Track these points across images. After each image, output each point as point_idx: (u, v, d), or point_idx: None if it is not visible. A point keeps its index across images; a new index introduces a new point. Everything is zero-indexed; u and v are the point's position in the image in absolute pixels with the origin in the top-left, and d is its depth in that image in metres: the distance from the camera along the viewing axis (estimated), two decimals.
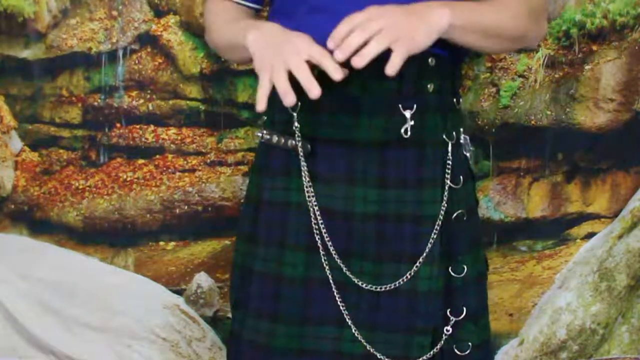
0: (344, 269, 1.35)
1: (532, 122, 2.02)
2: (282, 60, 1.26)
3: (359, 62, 1.22)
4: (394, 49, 1.22)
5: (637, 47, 1.99)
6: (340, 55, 1.22)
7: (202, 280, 2.11)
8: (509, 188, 2.06)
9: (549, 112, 2.02)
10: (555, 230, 2.08)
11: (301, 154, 1.36)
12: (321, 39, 1.31)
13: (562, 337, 2.08)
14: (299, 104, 1.33)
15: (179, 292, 2.11)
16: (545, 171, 2.05)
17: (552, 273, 2.09)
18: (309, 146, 1.36)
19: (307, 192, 1.36)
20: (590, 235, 2.08)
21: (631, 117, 2.02)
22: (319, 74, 1.30)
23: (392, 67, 1.22)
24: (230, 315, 2.08)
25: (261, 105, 1.26)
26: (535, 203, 2.07)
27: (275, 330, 1.38)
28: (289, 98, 1.25)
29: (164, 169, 2.08)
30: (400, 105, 1.32)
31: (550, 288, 2.10)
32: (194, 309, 2.11)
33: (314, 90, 1.24)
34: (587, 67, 2.00)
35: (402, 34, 1.23)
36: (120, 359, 2.09)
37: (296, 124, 1.35)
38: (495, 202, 2.07)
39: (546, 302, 2.09)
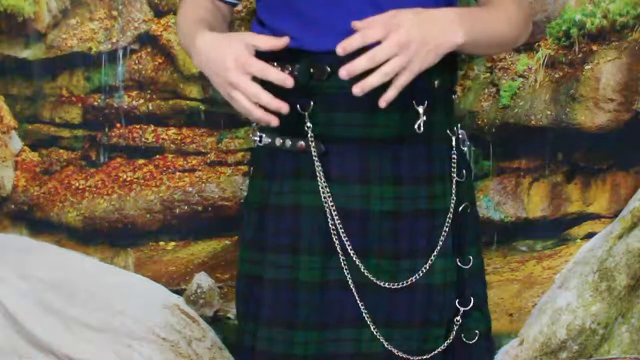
0: (362, 268, 1.35)
1: (532, 122, 2.02)
2: (237, 92, 1.28)
3: (358, 92, 1.23)
4: (396, 78, 1.23)
5: (637, 47, 1.99)
6: (345, 75, 1.22)
7: (202, 280, 2.11)
8: (509, 188, 2.06)
9: (549, 112, 2.02)
10: (555, 230, 2.08)
11: (315, 154, 1.35)
12: (322, 27, 1.31)
13: (562, 337, 2.08)
14: (311, 103, 1.33)
15: (179, 292, 2.11)
16: (545, 171, 2.06)
17: (552, 273, 2.09)
18: (323, 147, 1.35)
19: (323, 193, 1.35)
20: (590, 235, 2.08)
21: (631, 117, 2.02)
22: (331, 70, 1.30)
23: (384, 101, 1.25)
24: (230, 315, 2.09)
25: (274, 121, 1.29)
26: (535, 203, 2.07)
27: (293, 338, 1.36)
28: (273, 123, 1.29)
29: (164, 169, 2.08)
30: (413, 101, 1.32)
31: (550, 288, 2.10)
32: (194, 309, 2.11)
33: (282, 107, 1.27)
34: (587, 67, 2.00)
35: (414, 58, 1.22)
36: (120, 359, 2.09)
37: (308, 123, 1.34)
38: (495, 202, 2.07)
39: (546, 302, 2.09)
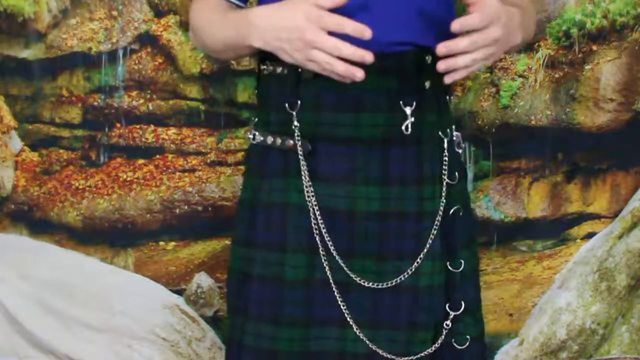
0: (345, 268, 1.35)
1: (532, 122, 2.02)
2: (316, 50, 1.24)
3: (443, 68, 1.24)
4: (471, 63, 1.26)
5: (637, 47, 1.99)
6: (442, 67, 1.24)
7: (202, 280, 2.11)
8: (509, 188, 2.06)
9: (549, 112, 2.02)
10: (555, 230, 2.08)
11: (301, 153, 1.36)
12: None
13: (562, 337, 2.08)
14: (298, 102, 1.33)
15: (179, 292, 2.11)
16: (545, 171, 2.05)
17: (552, 273, 2.09)
18: (309, 146, 1.36)
19: (307, 192, 1.36)
20: (590, 235, 2.08)
21: (631, 117, 2.02)
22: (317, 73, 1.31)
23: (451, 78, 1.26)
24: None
25: (359, 73, 1.24)
26: (535, 203, 2.06)
27: (278, 334, 1.37)
28: (358, 75, 1.24)
29: (164, 169, 2.08)
30: (401, 102, 1.32)
31: (550, 288, 2.10)
32: (194, 309, 2.11)
33: (366, 56, 1.23)
34: (587, 67, 2.00)
35: (496, 54, 1.26)
36: (120, 359, 2.09)
37: (295, 123, 1.35)
38: (495, 202, 2.07)
39: (546, 302, 2.09)
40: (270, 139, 1.38)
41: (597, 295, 2.07)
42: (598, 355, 2.09)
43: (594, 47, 1.99)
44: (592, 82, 2.00)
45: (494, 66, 2.01)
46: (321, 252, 1.35)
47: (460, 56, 1.23)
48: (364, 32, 1.22)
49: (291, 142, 1.36)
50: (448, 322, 1.40)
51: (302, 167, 1.35)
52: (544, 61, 2.00)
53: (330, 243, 1.35)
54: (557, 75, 2.01)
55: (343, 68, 1.24)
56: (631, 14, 1.97)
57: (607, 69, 2.00)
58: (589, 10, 1.97)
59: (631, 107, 2.02)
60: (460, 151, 1.43)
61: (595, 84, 2.00)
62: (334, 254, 1.35)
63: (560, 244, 2.08)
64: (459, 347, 1.41)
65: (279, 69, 1.35)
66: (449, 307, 1.40)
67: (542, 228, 2.07)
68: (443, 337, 1.39)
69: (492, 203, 2.06)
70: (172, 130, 2.06)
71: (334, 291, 1.36)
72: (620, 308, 2.08)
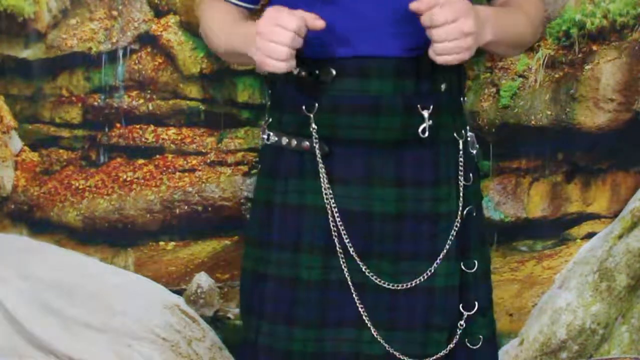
0: (363, 268, 1.35)
1: (532, 122, 2.02)
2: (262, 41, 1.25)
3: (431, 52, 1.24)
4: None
5: (637, 47, 1.99)
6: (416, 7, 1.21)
7: (202, 280, 2.11)
8: (509, 188, 2.06)
9: (549, 112, 2.02)
10: (555, 230, 2.08)
11: (319, 155, 1.36)
12: (329, 32, 1.31)
13: (562, 337, 2.08)
14: (316, 105, 1.34)
15: (179, 292, 2.11)
16: (545, 171, 2.06)
17: (552, 273, 2.09)
18: (326, 148, 1.35)
19: (326, 194, 1.35)
20: (590, 235, 2.08)
21: (631, 117, 2.02)
22: (337, 74, 1.31)
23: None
24: (229, 315, 2.09)
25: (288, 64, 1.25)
26: (535, 203, 2.07)
27: (293, 334, 1.38)
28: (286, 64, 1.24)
29: (164, 169, 2.08)
30: (418, 105, 1.33)
31: (550, 288, 2.10)
32: (194, 309, 2.11)
33: (318, 22, 1.24)
34: (587, 67, 2.00)
35: (467, 55, 1.25)
36: (120, 359, 2.09)
37: (313, 125, 1.35)
38: (495, 202, 2.07)
39: (546, 302, 2.09)
40: (285, 140, 1.38)
41: (597, 295, 2.07)
42: (598, 355, 2.09)
43: (594, 47, 1.99)
44: (592, 82, 2.00)
45: (494, 66, 2.01)
46: (339, 254, 1.35)
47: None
48: (316, 22, 1.24)
49: (307, 143, 1.36)
50: (462, 322, 1.40)
51: (320, 169, 1.35)
52: (544, 61, 2.00)
53: (350, 244, 1.35)
54: (557, 75, 2.01)
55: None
56: (631, 14, 1.97)
57: (607, 69, 2.00)
58: (589, 10, 1.98)
59: (631, 107, 2.02)
60: (474, 152, 1.44)
61: (595, 84, 2.00)
62: (353, 255, 1.35)
63: (560, 244, 2.09)
64: (472, 347, 1.41)
65: (296, 70, 1.35)
66: (462, 307, 1.40)
67: (542, 228, 2.08)
68: (457, 337, 1.40)
69: (492, 203, 2.06)
70: (172, 130, 2.06)
71: (351, 292, 1.36)
72: (620, 308, 2.08)
